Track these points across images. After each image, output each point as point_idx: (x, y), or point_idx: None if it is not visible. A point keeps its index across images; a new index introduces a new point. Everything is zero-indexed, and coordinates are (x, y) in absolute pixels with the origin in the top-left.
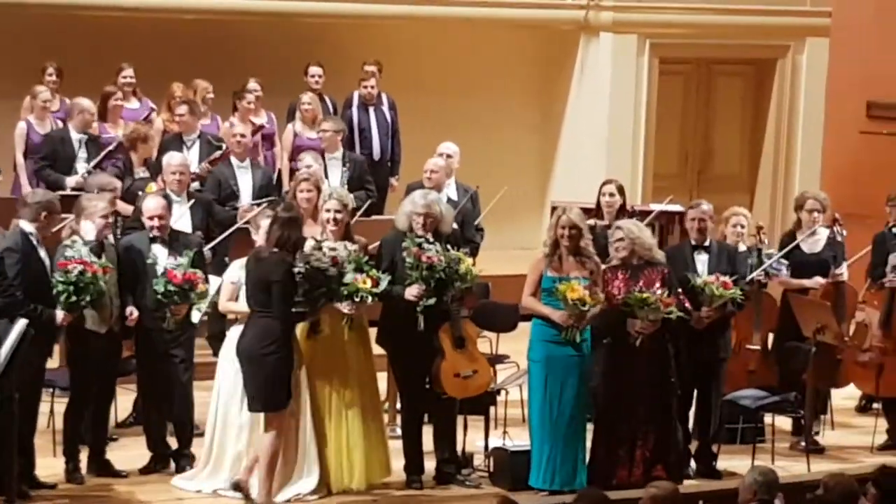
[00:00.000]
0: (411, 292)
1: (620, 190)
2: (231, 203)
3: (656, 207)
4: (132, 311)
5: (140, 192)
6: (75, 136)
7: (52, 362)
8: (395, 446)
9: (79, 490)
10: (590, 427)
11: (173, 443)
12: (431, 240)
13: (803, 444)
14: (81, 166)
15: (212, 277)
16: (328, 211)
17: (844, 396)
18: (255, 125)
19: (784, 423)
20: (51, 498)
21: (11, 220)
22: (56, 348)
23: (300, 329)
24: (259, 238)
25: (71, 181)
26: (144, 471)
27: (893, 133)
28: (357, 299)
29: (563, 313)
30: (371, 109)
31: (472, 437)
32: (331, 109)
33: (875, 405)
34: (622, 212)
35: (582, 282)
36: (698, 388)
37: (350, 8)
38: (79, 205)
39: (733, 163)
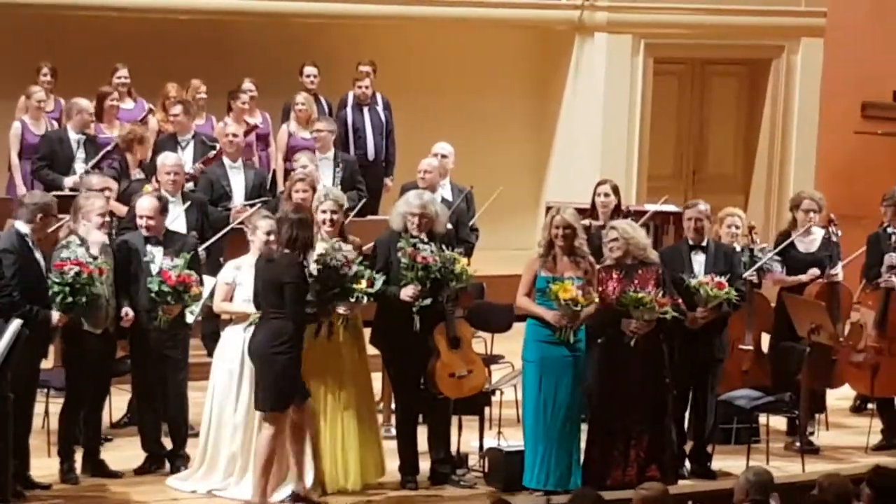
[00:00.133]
0: (407, 293)
1: (615, 190)
2: (223, 203)
3: (651, 208)
4: (128, 312)
5: (136, 194)
6: (73, 136)
7: (47, 362)
8: (390, 447)
9: (73, 490)
10: (584, 427)
11: (168, 443)
12: (426, 240)
13: (798, 444)
14: (79, 166)
15: (206, 278)
16: (324, 212)
17: (839, 397)
18: (249, 125)
19: (779, 423)
20: (45, 498)
21: (6, 221)
22: (51, 348)
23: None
24: (256, 239)
25: (69, 181)
26: (139, 471)
27: (888, 133)
28: (353, 300)
29: (557, 313)
30: (365, 110)
31: (466, 438)
32: (325, 110)
33: (870, 405)
34: (617, 212)
35: (576, 282)
36: (694, 388)
37: (345, 8)
38: (76, 204)
39: (728, 163)
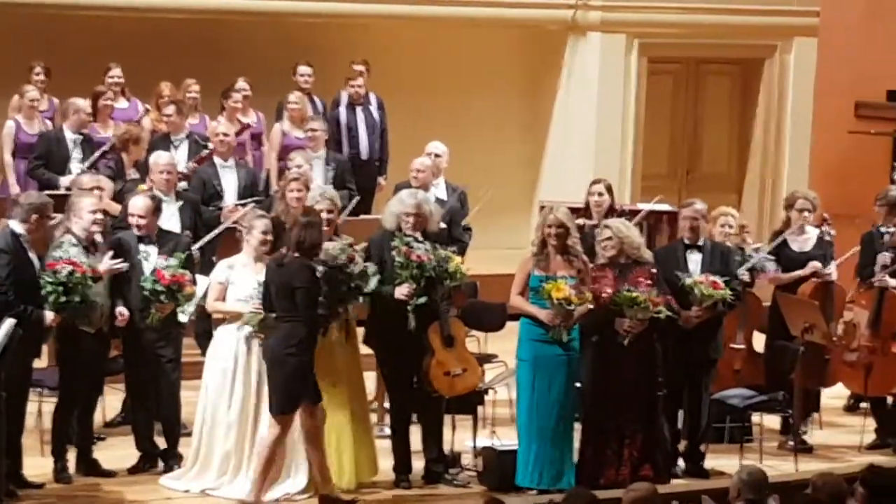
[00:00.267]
0: (402, 291)
1: (609, 189)
2: (215, 203)
3: (645, 207)
4: (122, 312)
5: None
6: (70, 136)
7: (41, 362)
8: (384, 446)
9: (66, 490)
10: (577, 426)
11: (161, 442)
12: (420, 239)
13: (791, 443)
14: (76, 166)
15: (199, 277)
16: (320, 212)
17: (832, 396)
18: (242, 124)
19: (772, 422)
20: (38, 497)
21: (0, 220)
22: (44, 348)
23: None
24: (252, 239)
25: (65, 181)
26: (132, 470)
27: (881, 133)
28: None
29: (550, 312)
30: (359, 109)
31: (460, 437)
32: (319, 109)
33: (863, 404)
34: (611, 211)
35: (569, 281)
36: (688, 387)
37: (338, 7)
38: (69, 203)
39: (721, 162)
